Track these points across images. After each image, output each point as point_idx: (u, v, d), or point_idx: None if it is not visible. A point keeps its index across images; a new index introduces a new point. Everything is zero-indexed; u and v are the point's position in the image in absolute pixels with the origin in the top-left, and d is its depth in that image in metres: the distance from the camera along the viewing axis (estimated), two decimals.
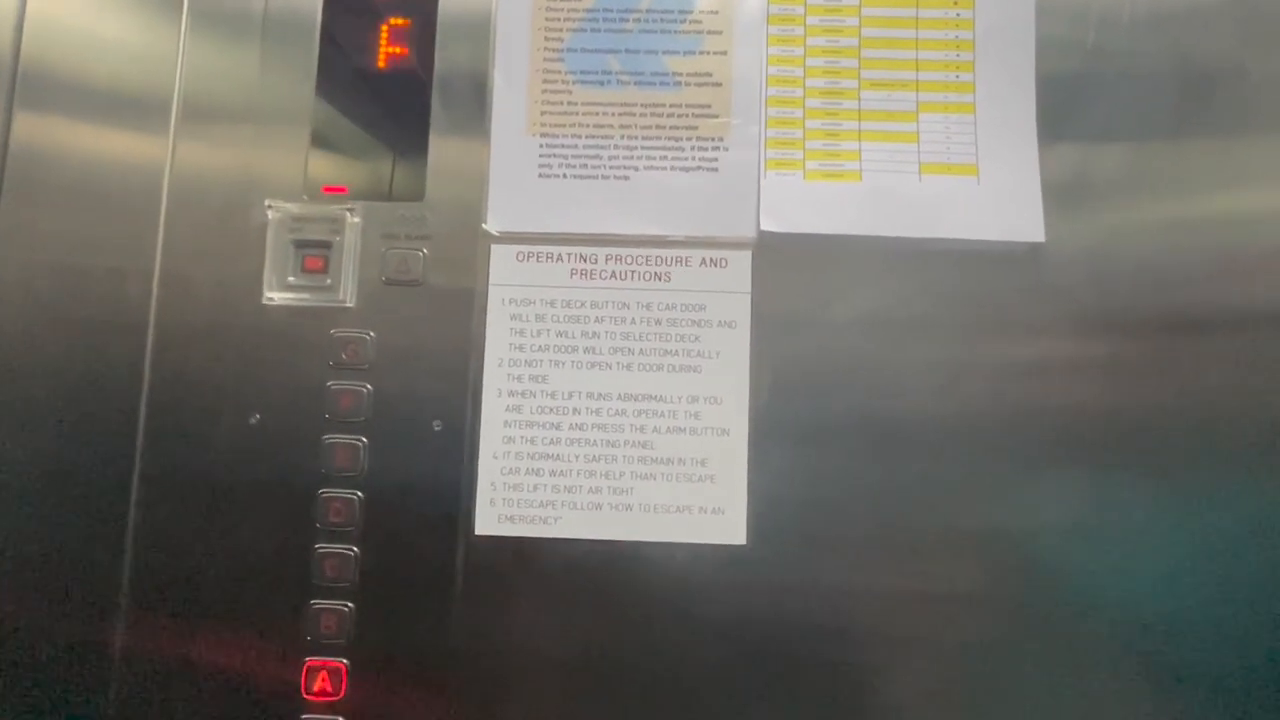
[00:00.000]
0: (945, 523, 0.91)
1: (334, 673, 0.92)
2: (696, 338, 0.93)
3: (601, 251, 0.94)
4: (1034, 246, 0.92)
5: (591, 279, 0.94)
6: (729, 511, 0.90)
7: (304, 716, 0.91)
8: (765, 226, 0.94)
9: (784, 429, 0.92)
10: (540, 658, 0.90)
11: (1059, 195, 0.94)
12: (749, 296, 0.93)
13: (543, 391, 0.93)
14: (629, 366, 0.93)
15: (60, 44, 0.99)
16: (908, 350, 0.93)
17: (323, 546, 0.93)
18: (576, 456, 0.92)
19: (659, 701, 0.90)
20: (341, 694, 0.92)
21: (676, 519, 0.91)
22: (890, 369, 0.93)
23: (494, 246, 0.94)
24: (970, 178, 0.93)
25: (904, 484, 0.91)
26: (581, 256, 0.94)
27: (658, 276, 0.94)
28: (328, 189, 0.97)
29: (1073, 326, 0.92)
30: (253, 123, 0.98)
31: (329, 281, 0.96)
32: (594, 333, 0.93)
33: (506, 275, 0.94)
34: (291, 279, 0.96)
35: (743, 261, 0.93)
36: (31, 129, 0.98)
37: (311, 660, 0.92)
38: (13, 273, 0.97)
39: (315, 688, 0.92)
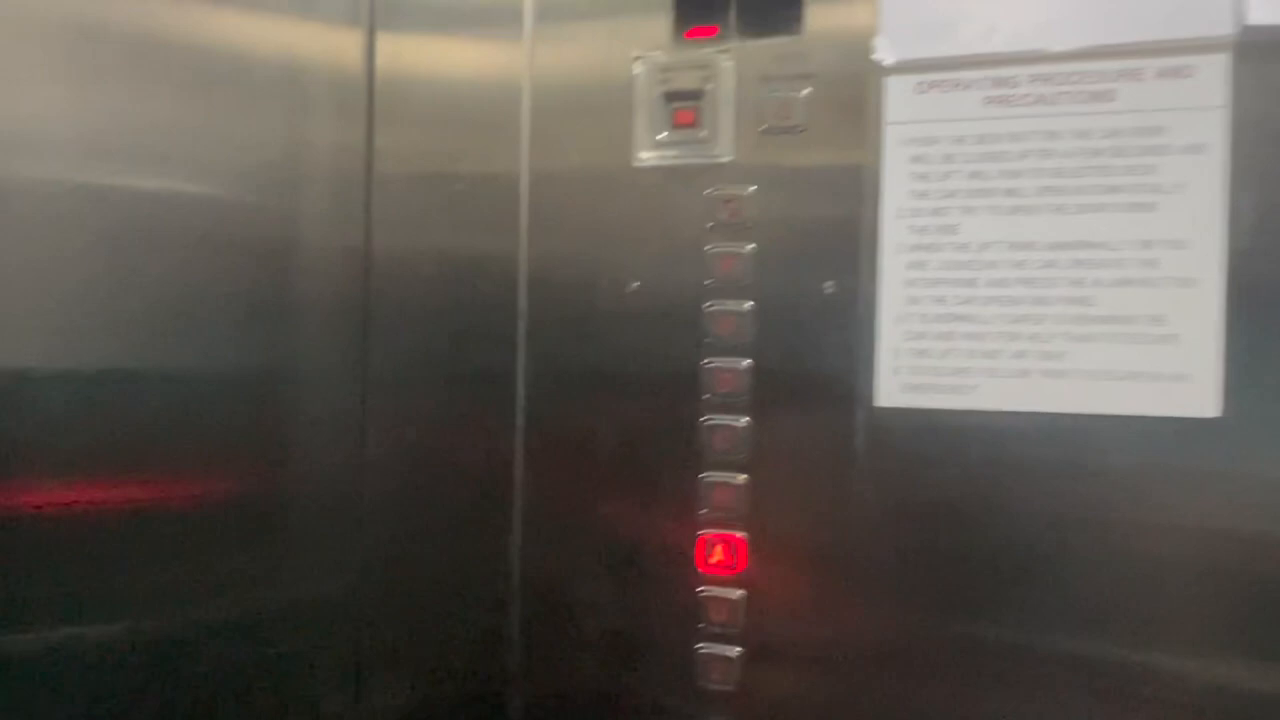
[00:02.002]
0: None
1: (731, 545, 0.66)
2: (1151, 169, 0.53)
3: (1024, 72, 0.55)
4: None
5: (1011, 106, 0.55)
6: (1196, 378, 0.53)
7: (701, 588, 0.63)
8: (1254, 19, 0.52)
9: (1273, 278, 0.53)
10: (952, 543, 0.57)
11: None
12: (1225, 112, 0.52)
13: (952, 244, 0.57)
14: (1060, 209, 0.55)
15: None
16: None
17: (711, 417, 0.65)
18: (996, 317, 0.56)
19: (1095, 611, 0.54)
20: (740, 567, 0.65)
21: (1124, 387, 0.53)
22: None
23: (888, 79, 0.57)
24: None
25: None
26: (998, 81, 0.55)
27: (1097, 96, 0.54)
28: (694, 31, 0.66)
29: None
30: None
31: (703, 135, 0.66)
32: (1015, 171, 0.55)
33: (904, 111, 0.57)
34: (662, 136, 0.67)
35: (1215, 68, 0.52)
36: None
37: (706, 533, 0.66)
38: (392, 187, 0.70)
39: (712, 560, 0.67)
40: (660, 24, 0.63)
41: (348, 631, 0.70)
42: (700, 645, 0.62)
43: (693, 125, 0.62)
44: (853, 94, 0.59)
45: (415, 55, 0.69)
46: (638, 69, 0.63)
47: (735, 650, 0.62)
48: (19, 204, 0.56)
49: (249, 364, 0.66)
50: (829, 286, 0.59)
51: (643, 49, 0.63)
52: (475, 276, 0.68)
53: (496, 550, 0.68)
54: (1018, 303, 0.55)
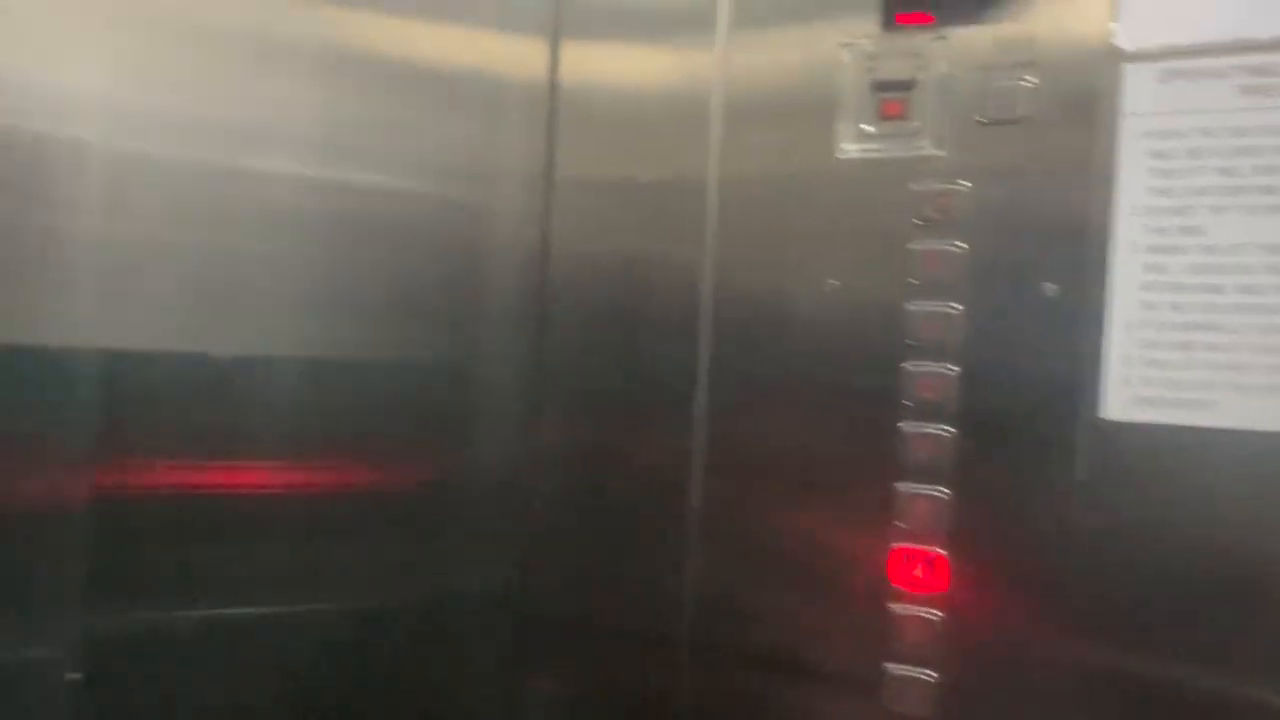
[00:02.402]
0: None
1: (928, 562, 0.62)
2: None
3: None
4: None
5: (1271, 96, 0.50)
6: None
7: (892, 605, 0.60)
8: None
9: None
10: (1183, 576, 0.52)
11: None
12: None
13: (1197, 246, 0.52)
14: None
15: None
16: None
17: (910, 424, 0.62)
18: (1244, 327, 0.51)
19: None
20: (940, 585, 0.62)
21: None
22: None
23: (1127, 67, 0.53)
24: None
25: None
26: (1255, 69, 0.50)
27: None
28: (906, 17, 0.63)
29: None
30: None
31: (914, 126, 0.62)
32: (1273, 167, 0.50)
33: (1145, 102, 0.53)
34: (868, 127, 0.64)
35: None
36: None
37: (899, 547, 0.63)
38: (573, 189, 0.70)
39: (906, 576, 0.63)
40: (868, 12, 0.60)
41: (506, 624, 0.70)
42: (890, 666, 0.59)
43: (901, 116, 0.59)
44: (1083, 84, 0.55)
45: (600, 62, 0.69)
46: (844, 57, 0.60)
47: (930, 674, 0.58)
48: (264, 194, 0.58)
49: (439, 355, 0.67)
50: (1050, 289, 0.55)
51: (849, 37, 0.60)
52: (657, 278, 0.66)
53: (667, 555, 0.66)
54: (1272, 312, 0.50)
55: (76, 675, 0.50)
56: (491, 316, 0.68)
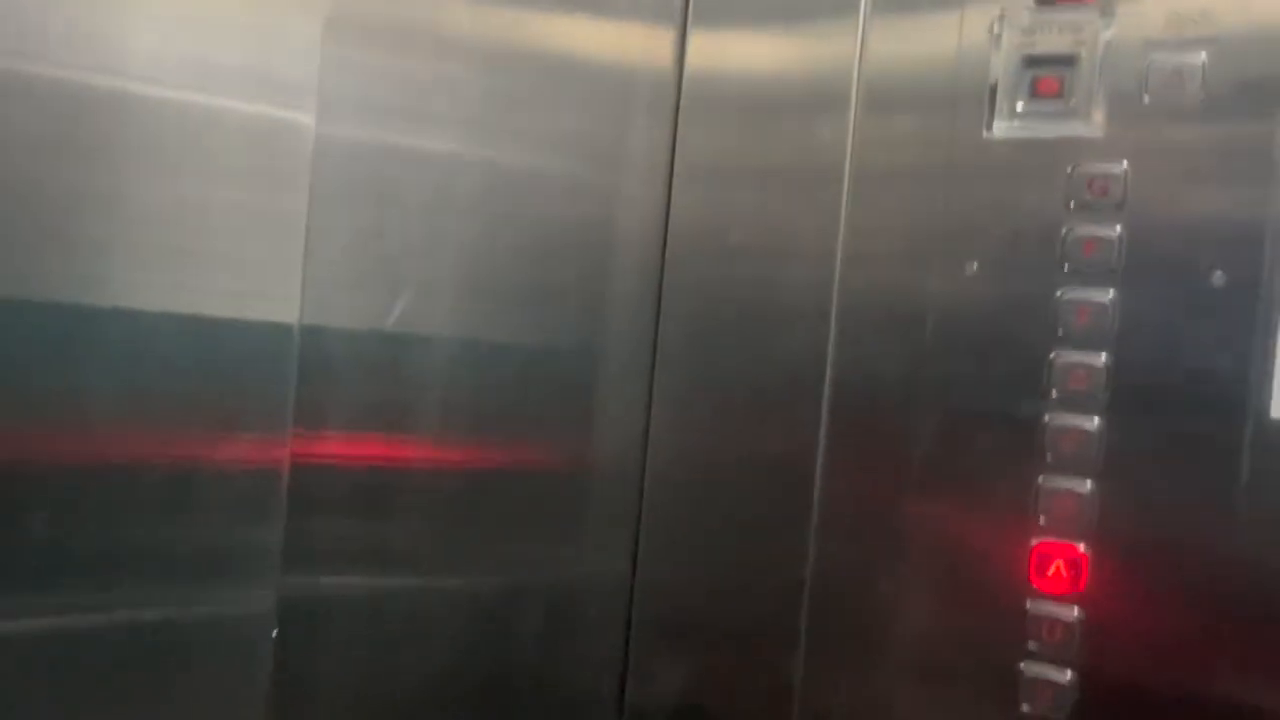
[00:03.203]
0: None
1: (1071, 560, 0.60)
2: None
3: None
4: None
5: None
6: None
7: (1030, 604, 0.57)
8: None
9: None
10: None
11: None
12: None
13: None
14: None
15: None
16: None
17: (1056, 415, 0.59)
18: None
19: None
20: (1080, 585, 0.59)
21: None
22: None
23: None
24: None
25: None
26: None
27: None
28: None
29: None
30: None
31: (1071, 104, 0.60)
32: None
33: None
34: (1020, 106, 0.61)
35: None
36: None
37: (1041, 543, 0.61)
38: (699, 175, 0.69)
39: (1047, 574, 0.61)
40: None
41: (623, 610, 0.69)
42: (1026, 665, 0.57)
43: (1058, 95, 0.57)
44: (1263, 61, 0.52)
45: (730, 50, 0.68)
46: (998, 30, 0.58)
47: (1067, 675, 0.56)
48: (428, 174, 0.60)
49: (571, 339, 0.67)
50: (1218, 278, 0.52)
51: (1005, 9, 0.58)
52: (786, 267, 0.65)
53: (789, 544, 0.65)
54: None
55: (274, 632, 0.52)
56: (617, 302, 0.68)
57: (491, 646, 0.64)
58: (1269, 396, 0.51)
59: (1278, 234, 0.51)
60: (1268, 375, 0.51)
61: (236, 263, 0.52)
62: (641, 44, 0.69)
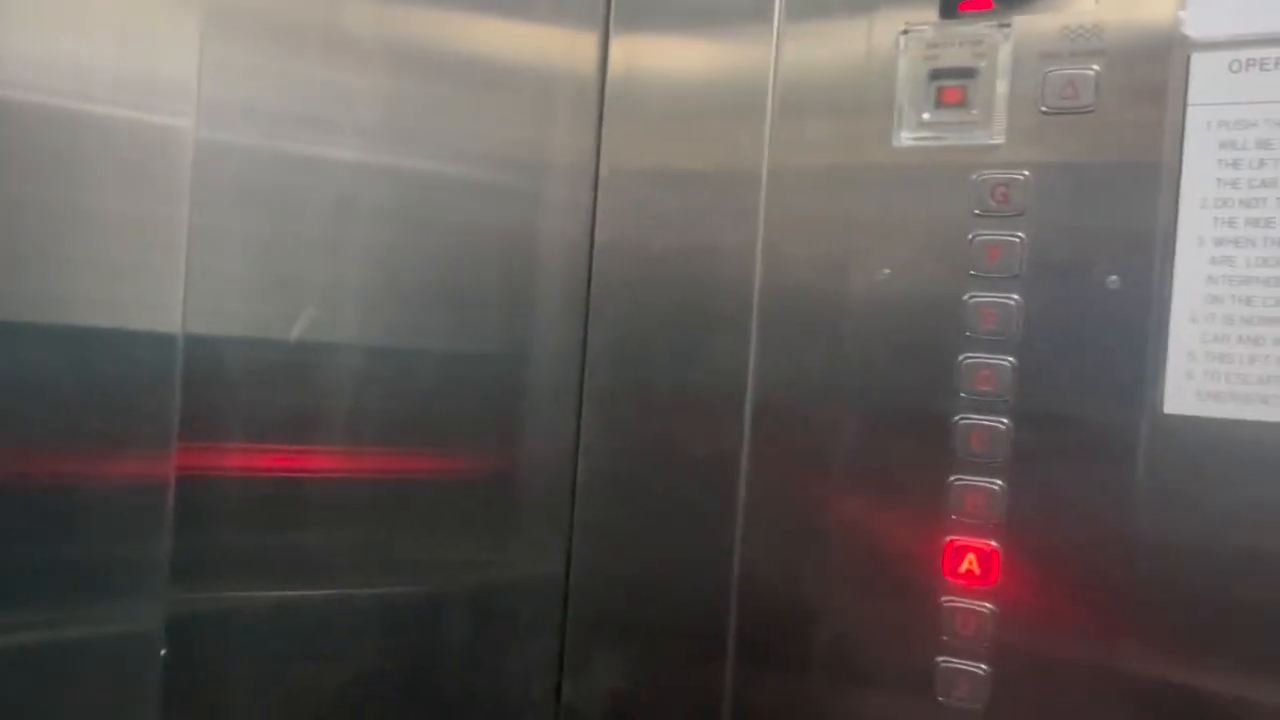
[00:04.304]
0: None
1: (983, 555, 0.62)
2: None
3: None
4: None
5: None
6: None
7: (945, 598, 0.59)
8: None
9: None
10: (1247, 578, 0.52)
11: None
12: None
13: (1266, 239, 0.51)
14: None
15: None
16: None
17: (966, 417, 0.61)
18: None
19: None
20: (992, 579, 0.62)
21: None
22: None
23: (1195, 55, 0.53)
24: None
25: None
26: None
27: None
28: (968, 5, 0.62)
29: None
30: None
31: (974, 114, 0.62)
32: None
33: (1214, 92, 0.52)
34: (926, 116, 0.63)
35: None
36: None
37: (954, 539, 0.63)
38: (621, 181, 0.70)
39: (960, 570, 0.63)
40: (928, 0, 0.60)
41: (557, 612, 0.70)
42: (942, 659, 0.59)
43: (961, 104, 0.59)
44: (1151, 73, 0.54)
45: (651, 55, 0.69)
46: (903, 44, 0.60)
47: (983, 668, 0.58)
48: (328, 181, 0.59)
49: (492, 344, 0.67)
50: (1113, 282, 0.54)
51: (908, 25, 0.60)
52: (708, 270, 0.66)
53: (716, 544, 0.66)
54: None
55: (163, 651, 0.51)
56: (542, 307, 0.69)
57: (414, 654, 0.64)
58: (1162, 393, 0.54)
59: (1166, 238, 0.54)
60: (1160, 372, 0.54)
61: (115, 272, 0.51)
62: (563, 48, 0.69)
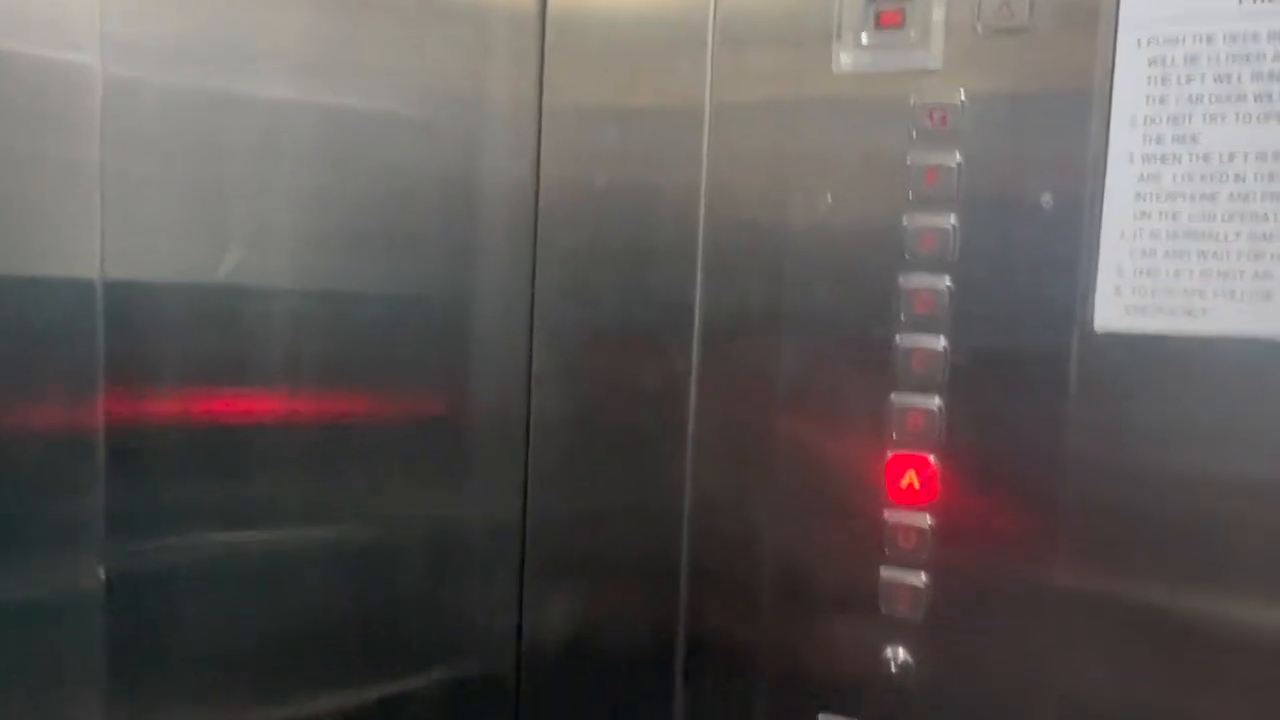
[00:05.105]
0: None
1: (923, 471, 0.64)
2: None
3: None
4: None
5: (1272, 3, 0.50)
6: None
7: (887, 513, 0.61)
8: None
9: None
10: (1173, 485, 0.54)
11: None
12: None
13: (1192, 155, 0.53)
14: None
15: None
16: None
17: (906, 336, 0.62)
18: (1238, 234, 0.51)
19: None
20: (932, 494, 0.64)
21: None
22: None
23: None
24: None
25: None
26: None
27: None
28: None
29: None
30: None
31: (912, 36, 0.62)
32: (1271, 73, 0.51)
33: (1143, 9, 0.52)
34: (864, 39, 0.64)
35: None
36: None
37: (895, 456, 0.64)
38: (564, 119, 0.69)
39: (901, 485, 0.65)
40: None
41: (511, 554, 0.71)
42: (885, 571, 0.61)
43: (900, 26, 0.59)
44: None
45: None
46: None
47: (922, 578, 0.60)
48: (253, 120, 0.58)
49: (431, 285, 0.67)
50: (1046, 200, 0.55)
51: None
52: (652, 205, 0.67)
53: (668, 473, 0.67)
54: (1264, 219, 0.51)
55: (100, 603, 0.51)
56: (485, 247, 0.69)
57: (369, 599, 0.65)
58: (1093, 310, 0.55)
59: (1098, 157, 0.55)
60: (1091, 291, 0.55)
61: (24, 216, 0.49)
62: None
